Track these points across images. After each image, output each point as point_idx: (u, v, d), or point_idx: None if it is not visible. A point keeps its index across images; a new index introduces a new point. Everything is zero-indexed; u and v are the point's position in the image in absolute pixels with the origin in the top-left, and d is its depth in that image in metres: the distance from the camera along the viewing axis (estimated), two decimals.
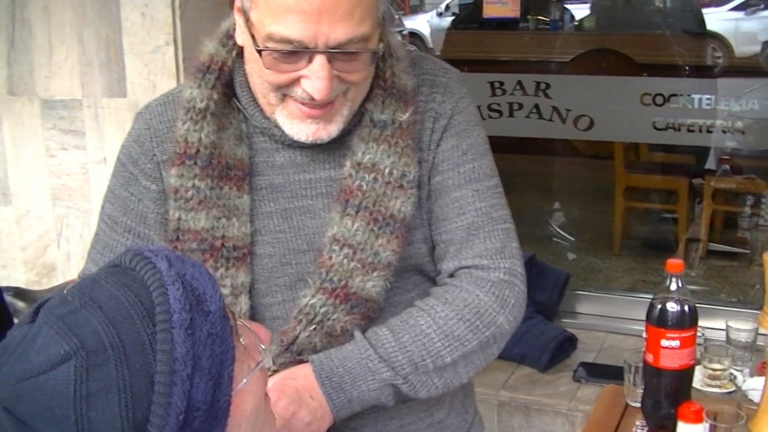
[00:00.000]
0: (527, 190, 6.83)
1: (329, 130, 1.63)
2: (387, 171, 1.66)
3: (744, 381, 2.70)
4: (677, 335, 2.02)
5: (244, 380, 1.14)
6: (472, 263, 1.71)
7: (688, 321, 2.03)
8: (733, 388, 2.66)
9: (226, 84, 1.71)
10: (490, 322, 1.68)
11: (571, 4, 7.88)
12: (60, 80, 3.49)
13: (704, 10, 7.29)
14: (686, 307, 2.03)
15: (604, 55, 6.73)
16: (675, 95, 4.70)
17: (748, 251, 5.47)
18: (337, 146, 1.69)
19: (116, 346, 1.01)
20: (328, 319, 1.64)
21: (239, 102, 1.72)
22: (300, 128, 1.62)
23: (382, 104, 1.68)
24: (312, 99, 1.55)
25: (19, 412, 1.01)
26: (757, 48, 7.48)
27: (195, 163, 1.66)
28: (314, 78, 1.52)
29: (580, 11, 7.73)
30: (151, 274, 1.08)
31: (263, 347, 1.21)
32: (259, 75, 1.61)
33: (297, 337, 1.65)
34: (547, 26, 7.55)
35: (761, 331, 2.88)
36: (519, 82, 4.93)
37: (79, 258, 3.63)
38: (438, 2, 12.32)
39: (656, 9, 7.15)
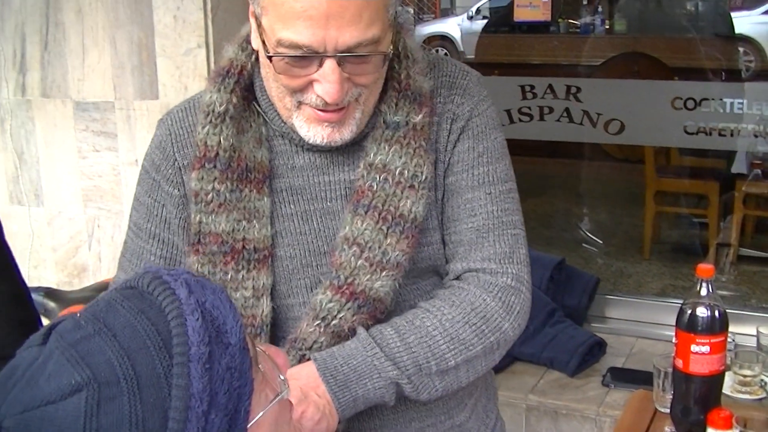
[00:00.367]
0: (557, 193, 6.82)
1: (343, 134, 1.63)
2: (398, 171, 1.66)
3: None
4: (707, 340, 2.02)
5: (261, 413, 1.11)
6: (480, 266, 1.70)
7: (718, 326, 2.02)
8: (764, 395, 2.65)
9: (245, 88, 1.72)
10: (496, 328, 1.67)
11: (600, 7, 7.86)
12: (92, 82, 3.52)
13: (736, 13, 7.24)
14: (716, 313, 2.02)
15: (635, 59, 6.69)
16: (706, 99, 4.66)
17: None
18: (355, 149, 1.70)
19: (130, 378, 0.98)
20: (334, 317, 1.64)
21: (259, 105, 1.73)
22: (316, 131, 1.62)
23: (395, 106, 1.68)
24: (325, 103, 1.56)
25: None
26: None
27: (215, 166, 1.67)
28: (325, 82, 1.53)
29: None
30: (170, 301, 1.04)
31: (282, 377, 1.18)
32: (273, 79, 1.61)
33: (301, 332, 1.65)
34: (578, 29, 7.53)
35: None
36: (550, 86, 4.91)
37: (110, 259, 3.65)
38: (469, 5, 12.31)
39: (687, 12, 7.11)
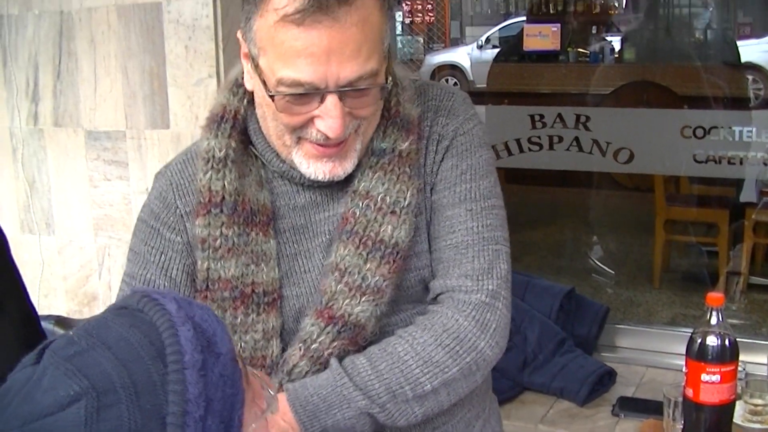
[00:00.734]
0: (567, 222, 6.81)
1: (345, 167, 1.65)
2: (380, 197, 1.67)
3: None
4: (718, 369, 2.01)
5: (253, 425, 1.12)
6: (456, 283, 1.69)
7: (728, 355, 2.02)
8: None
9: (241, 132, 1.73)
10: (471, 348, 1.65)
11: (609, 35, 7.89)
12: (104, 112, 3.54)
13: (744, 42, 7.25)
14: (727, 341, 2.02)
15: (644, 87, 6.70)
16: (715, 127, 4.67)
17: None
18: (350, 180, 1.71)
19: (127, 386, 0.99)
20: (313, 341, 1.64)
21: (255, 149, 1.74)
22: (317, 167, 1.63)
23: (383, 133, 1.70)
24: (327, 138, 1.57)
25: None
26: None
27: (221, 211, 1.68)
28: (327, 117, 1.54)
29: (615, 44, 7.73)
30: (160, 315, 1.06)
31: (271, 392, 1.20)
32: (273, 118, 1.62)
33: (285, 354, 1.67)
34: (588, 59, 7.55)
35: None
36: (559, 115, 4.92)
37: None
38: (478, 35, 12.36)
39: (696, 40, 7.13)
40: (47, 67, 3.63)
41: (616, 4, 8.68)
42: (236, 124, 1.72)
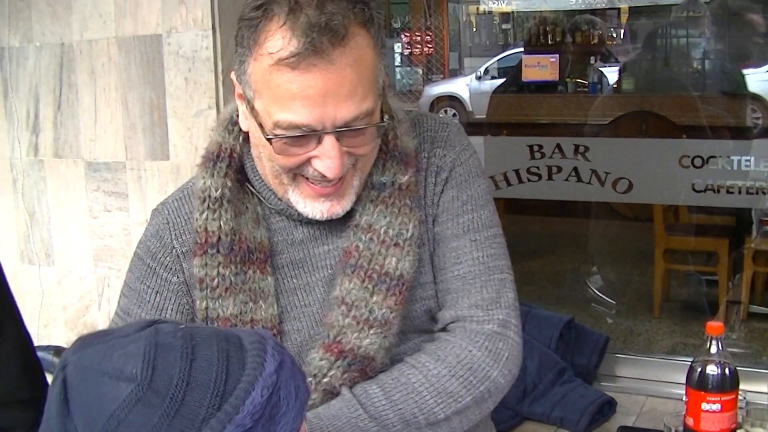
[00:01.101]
0: (566, 252, 6.81)
1: (343, 205, 1.66)
2: (383, 230, 1.68)
3: None
4: (718, 398, 2.01)
5: None
6: (467, 314, 1.71)
7: (729, 384, 2.02)
8: None
9: (237, 170, 1.73)
10: (484, 377, 1.67)
11: (604, 67, 7.92)
12: (104, 143, 3.55)
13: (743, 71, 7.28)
14: (727, 370, 2.02)
15: (643, 117, 6.72)
16: (714, 157, 4.68)
17: None
18: (350, 214, 1.71)
19: (175, 401, 1.02)
20: (324, 375, 1.65)
21: (252, 186, 1.75)
22: (314, 207, 1.65)
23: (383, 167, 1.71)
24: (324, 177, 1.58)
25: (72, 391, 1.05)
26: None
27: (218, 251, 1.68)
28: (325, 158, 1.55)
29: (613, 74, 7.75)
30: (254, 367, 1.08)
31: None
32: (268, 159, 1.63)
33: None
34: (586, 89, 7.58)
35: None
36: (558, 145, 4.93)
37: None
38: (477, 66, 12.40)
39: (694, 71, 7.15)
40: (48, 99, 3.65)
41: (614, 35, 8.72)
42: (232, 163, 1.73)
